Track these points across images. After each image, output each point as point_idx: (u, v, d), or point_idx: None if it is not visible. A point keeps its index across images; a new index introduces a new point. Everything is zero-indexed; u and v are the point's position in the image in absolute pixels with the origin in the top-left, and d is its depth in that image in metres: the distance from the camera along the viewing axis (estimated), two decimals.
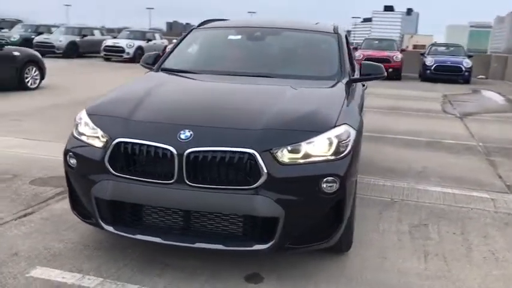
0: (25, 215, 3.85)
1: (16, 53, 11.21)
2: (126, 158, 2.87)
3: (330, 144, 2.91)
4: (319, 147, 2.89)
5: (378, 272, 3.20)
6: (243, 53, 4.47)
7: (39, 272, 2.97)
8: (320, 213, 2.88)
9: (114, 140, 2.89)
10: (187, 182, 2.76)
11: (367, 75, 4.12)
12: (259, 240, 2.82)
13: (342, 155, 2.93)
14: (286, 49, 4.45)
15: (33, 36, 22.89)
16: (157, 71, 4.24)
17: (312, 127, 2.94)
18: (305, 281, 3.03)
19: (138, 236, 2.92)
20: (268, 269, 3.12)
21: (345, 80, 3.87)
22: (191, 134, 2.80)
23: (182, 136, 2.80)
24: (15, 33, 23.51)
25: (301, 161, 2.83)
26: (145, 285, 2.88)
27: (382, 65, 4.22)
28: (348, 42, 4.84)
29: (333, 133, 2.94)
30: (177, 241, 2.86)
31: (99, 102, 3.34)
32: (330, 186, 2.84)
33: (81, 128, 3.12)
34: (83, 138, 3.09)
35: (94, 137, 3.02)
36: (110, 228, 2.98)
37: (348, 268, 3.23)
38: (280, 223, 2.77)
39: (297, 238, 2.88)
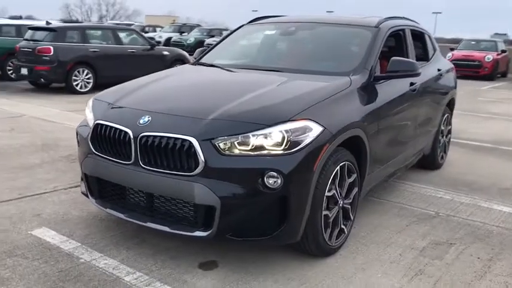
0: (74, 187, 4.47)
1: (165, 53, 12.64)
2: (100, 138, 3.19)
3: (282, 138, 2.81)
4: (269, 141, 2.82)
5: (341, 281, 2.97)
6: (268, 48, 4.47)
7: (40, 231, 3.48)
8: (261, 208, 2.81)
9: (95, 121, 3.24)
10: (141, 164, 2.96)
11: (394, 72, 3.77)
12: (200, 227, 2.87)
13: (292, 150, 2.81)
14: (314, 44, 4.29)
15: (205, 39, 25.30)
16: (194, 64, 4.50)
17: (262, 120, 2.87)
18: (254, 276, 2.98)
19: (108, 210, 3.22)
20: (226, 260, 3.15)
21: (360, 77, 3.61)
22: (149, 120, 2.99)
23: (141, 121, 3.00)
24: (191, 36, 26.24)
25: (248, 153, 2.80)
26: (108, 255, 3.16)
27: (415, 62, 3.82)
28: (403, 39, 4.46)
29: (285, 127, 2.83)
30: (134, 218, 3.08)
31: (106, 90, 3.73)
32: (274, 182, 2.75)
33: (86, 111, 3.54)
34: (86, 119, 3.50)
35: (90, 118, 3.40)
36: (93, 201, 3.34)
37: (310, 272, 3.06)
38: (217, 212, 2.78)
39: (238, 230, 2.86)
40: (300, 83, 3.55)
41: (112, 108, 3.30)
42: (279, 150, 2.81)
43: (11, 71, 12.32)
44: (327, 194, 3.05)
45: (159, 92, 3.52)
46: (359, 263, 3.21)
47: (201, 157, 2.77)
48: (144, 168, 2.95)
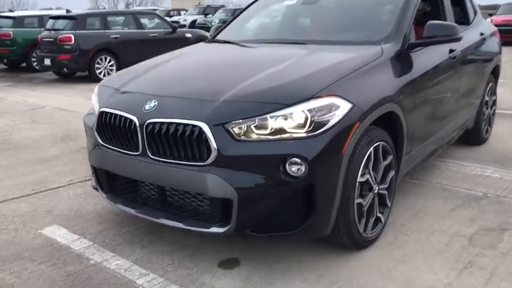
0: (90, 180, 4.23)
1: (188, 35, 12.34)
2: (106, 128, 2.90)
3: (305, 118, 2.45)
4: (290, 122, 2.46)
5: (378, 278, 2.61)
6: (288, 19, 4.07)
7: (50, 230, 3.25)
8: (283, 199, 2.46)
9: (100, 109, 2.95)
10: (150, 155, 2.66)
11: (431, 38, 3.32)
12: (217, 223, 2.56)
13: (317, 132, 2.44)
14: (340, 11, 3.85)
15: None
16: (208, 42, 4.16)
17: (282, 98, 2.52)
18: (280, 273, 2.65)
19: (119, 206, 2.95)
20: (249, 256, 2.83)
21: (392, 46, 3.18)
22: (155, 105, 2.68)
23: (147, 107, 2.69)
24: (216, 18, 25.83)
25: (266, 137, 2.46)
26: (121, 254, 2.90)
27: (456, 25, 3.36)
28: (439, 1, 3.98)
29: (308, 105, 2.47)
30: (147, 214, 2.79)
31: (114, 74, 3.43)
32: (297, 169, 2.41)
33: (92, 98, 3.26)
34: (92, 107, 3.22)
35: (95, 106, 3.12)
36: (103, 196, 3.07)
37: (344, 268, 2.71)
38: (235, 206, 2.46)
39: (260, 224, 2.53)
40: (325, 55, 3.15)
41: (117, 94, 3.00)
42: (301, 133, 2.45)
43: (36, 62, 12.27)
44: (359, 179, 2.68)
45: (167, 74, 3.19)
46: (399, 255, 2.85)
47: (214, 144, 2.44)
48: (152, 159, 2.65)
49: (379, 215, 2.96)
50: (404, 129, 3.10)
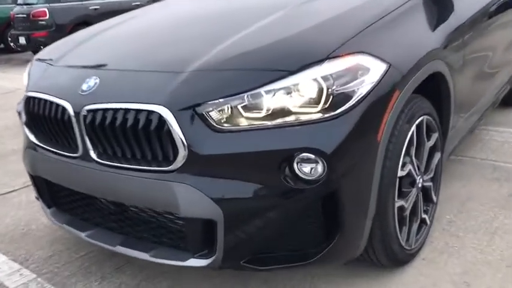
0: None
1: None
2: (36, 120, 2.06)
3: (319, 91, 1.60)
4: (296, 98, 1.61)
5: None
6: None
7: None
8: (293, 215, 1.63)
9: (27, 93, 2.11)
10: (94, 158, 1.82)
11: None
12: (197, 252, 1.74)
13: (338, 111, 1.60)
14: None
15: None
16: None
17: (281, 62, 1.66)
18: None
19: (65, 226, 2.13)
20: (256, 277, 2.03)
21: None
22: (96, 83, 1.83)
23: (84, 86, 1.84)
24: None
25: (261, 123, 1.61)
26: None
27: None
28: None
29: (321, 71, 1.61)
30: (99, 239, 1.97)
31: (55, 43, 2.57)
32: (311, 170, 1.58)
33: (23, 78, 2.41)
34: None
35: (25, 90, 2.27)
36: (47, 212, 2.26)
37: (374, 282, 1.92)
38: (220, 229, 1.64)
39: (259, 252, 1.71)
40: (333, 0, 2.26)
41: (50, 70, 2.14)
42: (315, 114, 1.60)
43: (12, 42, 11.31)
44: (400, 173, 1.86)
45: (117, 40, 2.30)
46: (457, 272, 2.04)
47: (181, 139, 1.60)
48: (98, 163, 1.81)
49: (423, 215, 2.15)
50: (452, 94, 2.25)
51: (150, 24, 2.45)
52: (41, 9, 9.59)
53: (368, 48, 1.71)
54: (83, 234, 2.02)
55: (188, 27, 2.25)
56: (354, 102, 1.63)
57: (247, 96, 1.62)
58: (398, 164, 1.83)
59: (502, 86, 3.36)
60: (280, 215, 1.63)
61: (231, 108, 1.62)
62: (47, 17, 9.54)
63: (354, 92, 1.63)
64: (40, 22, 9.57)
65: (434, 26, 2.18)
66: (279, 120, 1.60)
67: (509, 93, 3.75)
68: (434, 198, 2.25)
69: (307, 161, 1.57)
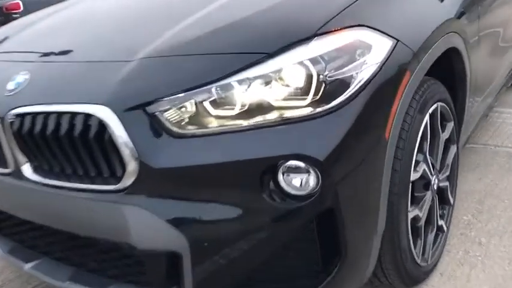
0: None
1: None
2: None
3: (307, 78, 1.23)
4: (278, 88, 1.23)
5: None
6: None
7: None
8: (280, 241, 1.26)
9: None
10: (26, 174, 1.44)
11: None
12: None
13: (334, 103, 1.22)
14: None
15: None
16: None
17: (256, 42, 1.28)
18: None
19: (6, 256, 1.75)
20: None
21: None
22: (25, 80, 1.44)
23: (11, 85, 1.45)
24: None
25: (235, 124, 1.23)
26: None
27: None
28: None
29: (310, 51, 1.23)
30: (45, 272, 1.59)
31: None
32: (301, 182, 1.20)
33: None
34: None
35: None
36: None
37: None
38: (187, 263, 1.26)
39: None
40: None
41: None
42: (303, 108, 1.22)
43: None
44: (413, 176, 1.49)
45: (54, 28, 1.87)
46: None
47: (129, 147, 1.22)
48: (32, 181, 1.43)
49: (440, 222, 1.79)
50: (468, 75, 1.88)
51: (90, 10, 2.01)
52: (15, 2, 9.10)
53: (368, 20, 1.33)
54: (25, 266, 1.64)
55: (139, 9, 1.83)
56: (353, 90, 1.25)
57: (215, 89, 1.24)
58: (410, 165, 1.46)
59: None
60: (265, 241, 1.25)
61: (195, 105, 1.24)
62: (21, 9, 9.05)
63: (352, 77, 1.26)
64: (14, 15, 9.07)
65: None
66: (258, 119, 1.22)
67: None
68: (451, 199, 1.88)
69: (296, 171, 1.19)
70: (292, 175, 1.19)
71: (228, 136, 1.21)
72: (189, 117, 1.24)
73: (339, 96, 1.24)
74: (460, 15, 1.77)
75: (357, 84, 1.25)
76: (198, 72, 1.26)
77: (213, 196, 1.22)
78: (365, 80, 1.26)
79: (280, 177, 1.19)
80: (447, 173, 1.82)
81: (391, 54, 1.32)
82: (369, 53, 1.29)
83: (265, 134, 1.21)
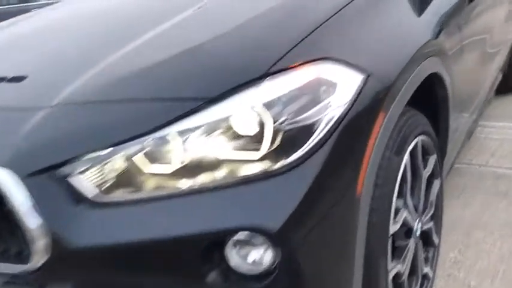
0: None
1: None
2: None
3: (260, 126, 1.00)
4: (223, 141, 1.00)
5: None
6: None
7: None
8: None
9: None
10: None
11: None
12: None
13: (294, 157, 1.00)
14: None
15: None
16: None
17: (197, 86, 1.05)
18: None
19: None
20: None
21: None
22: None
23: None
24: None
25: (173, 186, 0.99)
26: None
27: None
28: None
29: (264, 93, 1.01)
30: None
31: None
32: (254, 259, 0.97)
33: None
34: None
35: None
36: None
37: None
38: None
39: None
40: None
41: None
42: (255, 163, 0.99)
43: None
44: (392, 228, 1.27)
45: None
46: None
47: (35, 221, 0.97)
48: None
49: (425, 269, 1.57)
50: (450, 98, 1.68)
51: (20, 37, 1.72)
52: None
53: (333, 51, 1.11)
54: None
55: (66, 40, 1.56)
56: (317, 139, 1.02)
57: (148, 142, 1.00)
58: (389, 215, 1.24)
59: (497, 72, 2.82)
60: None
61: (122, 162, 1.00)
62: None
63: (315, 123, 1.03)
64: None
65: (420, 8, 1.59)
66: (200, 179, 0.99)
67: (502, 81, 3.21)
68: (436, 240, 1.67)
69: (248, 244, 0.96)
70: (243, 251, 0.96)
71: (163, 204, 0.98)
72: (115, 179, 1.00)
73: (299, 148, 1.01)
74: (438, 33, 1.56)
75: (321, 132, 1.03)
76: (125, 122, 1.03)
77: (146, 281, 0.97)
78: (331, 125, 1.04)
79: (229, 254, 0.96)
80: (431, 212, 1.60)
81: (361, 91, 1.10)
82: (334, 92, 1.06)
83: (209, 199, 0.98)
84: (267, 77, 1.01)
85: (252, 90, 1.00)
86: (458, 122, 1.91)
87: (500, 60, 2.89)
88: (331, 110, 1.05)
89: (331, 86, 1.06)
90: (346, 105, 1.07)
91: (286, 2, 1.35)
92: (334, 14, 1.18)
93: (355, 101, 1.09)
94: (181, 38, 1.24)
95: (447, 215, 2.10)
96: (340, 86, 1.07)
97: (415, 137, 1.39)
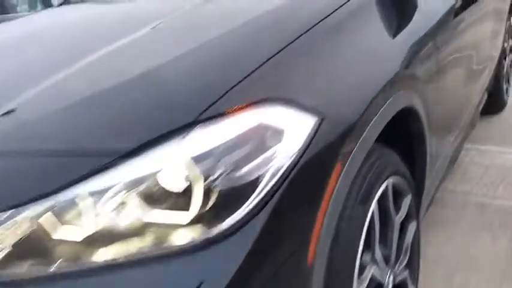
0: None
1: None
2: None
3: (189, 184, 0.82)
4: (140, 204, 0.82)
5: None
6: None
7: None
8: None
9: None
10: None
11: None
12: None
13: (229, 222, 0.83)
14: None
15: None
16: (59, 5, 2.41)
17: (114, 135, 0.87)
18: None
19: None
20: None
21: None
22: None
23: None
24: None
25: (82, 255, 0.81)
26: None
27: None
28: None
29: (192, 145, 0.83)
30: None
31: None
32: None
33: None
34: None
35: None
36: None
37: None
38: None
39: None
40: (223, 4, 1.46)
41: None
42: (181, 230, 0.82)
43: None
44: None
45: None
46: None
47: None
48: None
49: None
50: (426, 130, 1.51)
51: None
52: None
53: (279, 90, 0.94)
54: None
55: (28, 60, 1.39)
56: (258, 199, 0.85)
57: (51, 205, 0.82)
58: (352, 276, 1.07)
59: (481, 94, 2.68)
60: None
61: (20, 227, 0.82)
62: None
63: (258, 178, 0.86)
64: None
65: (393, 32, 1.43)
66: (111, 252, 0.81)
67: (488, 101, 3.07)
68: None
69: None
70: None
71: (72, 284, 0.80)
72: (10, 250, 0.81)
73: (237, 209, 0.84)
74: (409, 60, 1.40)
75: (263, 189, 0.86)
76: (29, 178, 0.85)
77: None
78: (275, 180, 0.87)
79: None
80: (406, 260, 1.43)
81: (314, 137, 0.93)
82: (280, 140, 0.89)
83: (129, 276, 0.80)
84: (197, 124, 0.84)
85: (178, 142, 0.83)
86: (439, 149, 1.75)
87: (485, 78, 2.75)
88: (276, 162, 0.88)
89: (276, 134, 0.89)
90: (294, 156, 0.90)
91: (239, 30, 1.18)
92: (285, 47, 1.01)
93: (306, 149, 0.92)
94: (110, 71, 1.07)
95: (428, 250, 1.94)
96: (287, 133, 0.90)
97: (384, 180, 1.22)
